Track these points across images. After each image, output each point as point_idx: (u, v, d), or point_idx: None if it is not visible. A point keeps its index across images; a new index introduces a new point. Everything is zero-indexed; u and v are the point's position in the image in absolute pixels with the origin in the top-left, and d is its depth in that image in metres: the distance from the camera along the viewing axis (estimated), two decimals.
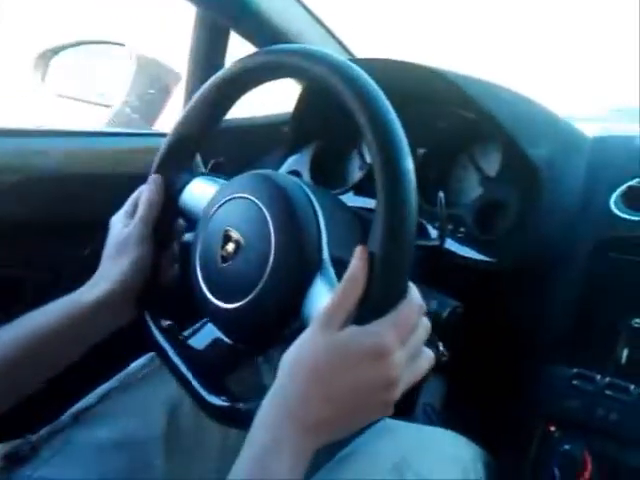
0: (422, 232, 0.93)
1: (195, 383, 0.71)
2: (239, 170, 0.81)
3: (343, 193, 1.07)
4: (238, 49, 1.27)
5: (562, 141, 1.00)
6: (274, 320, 0.69)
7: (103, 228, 0.82)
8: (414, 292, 0.60)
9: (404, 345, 0.58)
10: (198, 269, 0.75)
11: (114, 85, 1.34)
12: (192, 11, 1.24)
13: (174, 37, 1.45)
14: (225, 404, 0.68)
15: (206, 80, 0.78)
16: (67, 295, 0.78)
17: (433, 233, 0.92)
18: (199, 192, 0.81)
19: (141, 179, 0.85)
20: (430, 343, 0.76)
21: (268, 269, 0.66)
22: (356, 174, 1.13)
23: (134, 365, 0.91)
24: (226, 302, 0.71)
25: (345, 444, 0.78)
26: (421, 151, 1.01)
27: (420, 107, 1.01)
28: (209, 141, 0.84)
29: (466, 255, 0.91)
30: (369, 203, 0.97)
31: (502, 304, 0.97)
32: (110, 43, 1.35)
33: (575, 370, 0.87)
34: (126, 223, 0.81)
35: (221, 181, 0.81)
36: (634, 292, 0.86)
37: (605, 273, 0.89)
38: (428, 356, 0.62)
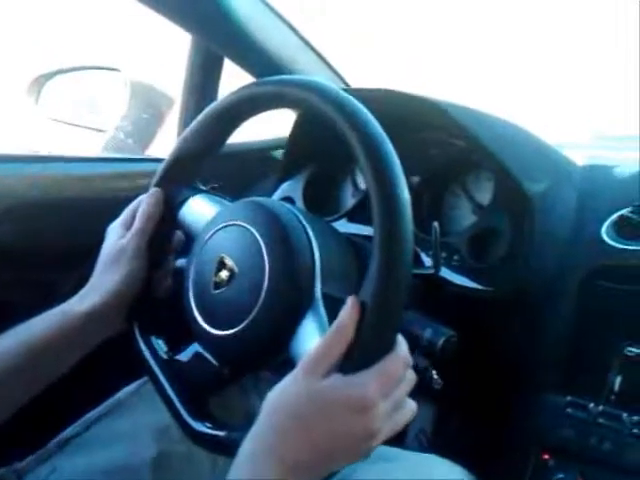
0: (416, 260, 0.93)
1: (180, 406, 0.71)
2: (234, 195, 0.81)
3: (336, 220, 1.07)
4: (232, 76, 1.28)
5: (553, 170, 1.01)
6: (262, 351, 0.69)
7: (96, 253, 0.82)
8: (402, 345, 0.60)
9: (387, 398, 0.58)
10: (191, 293, 0.75)
11: (108, 110, 1.34)
12: (187, 37, 1.25)
13: (169, 62, 1.46)
14: (209, 431, 0.68)
15: (200, 106, 0.79)
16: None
17: (427, 261, 0.93)
18: (198, 210, 0.81)
19: None
20: (424, 371, 0.77)
21: (260, 300, 0.66)
22: (349, 201, 1.13)
23: (122, 392, 0.91)
24: (216, 328, 0.70)
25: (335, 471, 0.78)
26: (415, 179, 1.01)
27: (413, 136, 1.02)
28: (208, 164, 0.84)
29: (460, 283, 0.91)
30: (363, 230, 0.97)
31: (495, 332, 0.97)
32: (104, 69, 1.36)
33: (568, 398, 0.87)
34: (122, 234, 0.80)
35: (221, 201, 0.81)
36: (626, 320, 0.87)
37: (597, 301, 0.90)
38: (410, 408, 0.62)
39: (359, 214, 1.05)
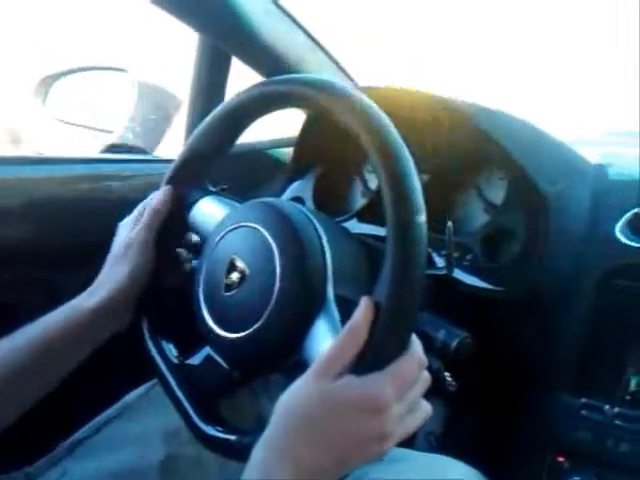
0: (429, 261, 0.92)
1: (190, 409, 0.71)
2: (244, 196, 0.80)
3: (347, 220, 1.06)
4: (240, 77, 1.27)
5: (567, 168, 1.01)
6: (274, 353, 0.68)
7: (104, 253, 0.81)
8: (416, 346, 0.60)
9: (401, 400, 0.57)
10: (201, 295, 0.74)
11: (116, 111, 1.34)
12: (194, 37, 1.24)
13: (176, 63, 1.46)
14: (219, 435, 0.68)
15: (208, 107, 0.78)
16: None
17: (439, 262, 0.92)
18: (208, 211, 0.81)
19: None
20: (437, 373, 0.76)
21: (272, 302, 0.66)
22: (359, 200, 1.12)
23: (131, 395, 0.91)
24: (227, 331, 0.70)
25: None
26: (425, 178, 1.00)
27: (424, 134, 1.01)
28: (217, 165, 0.84)
29: (473, 283, 0.90)
30: (373, 230, 0.96)
31: (509, 332, 0.96)
32: (112, 69, 1.36)
33: (583, 400, 0.87)
34: (132, 229, 0.81)
35: (231, 202, 0.81)
36: None
37: (612, 301, 0.89)
38: (424, 410, 0.62)
39: (369, 214, 1.04)
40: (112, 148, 1.29)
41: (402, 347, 0.58)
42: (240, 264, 0.70)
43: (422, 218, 0.57)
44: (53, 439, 0.84)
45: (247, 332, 0.67)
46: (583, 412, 0.86)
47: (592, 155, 1.08)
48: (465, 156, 1.02)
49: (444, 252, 0.87)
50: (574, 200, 0.96)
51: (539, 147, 0.99)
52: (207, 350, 0.74)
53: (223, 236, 0.73)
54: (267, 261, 0.67)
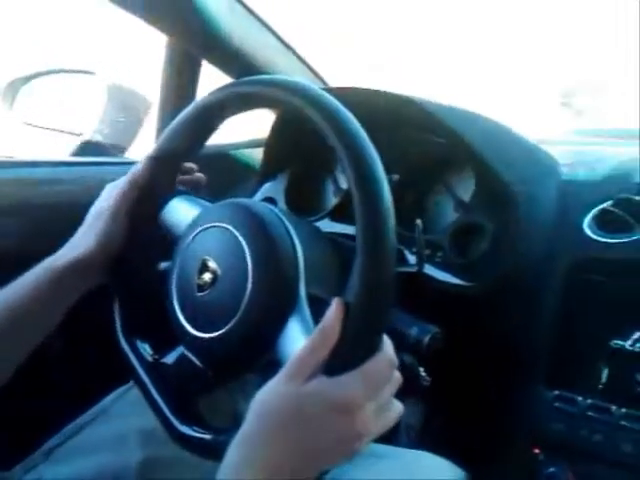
0: (400, 258, 0.93)
1: (166, 409, 0.71)
2: (215, 196, 0.80)
3: (319, 219, 1.06)
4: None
5: (534, 165, 1.02)
6: (247, 353, 0.68)
7: None
8: (387, 346, 0.60)
9: (372, 400, 0.58)
10: (174, 296, 0.74)
11: (85, 114, 1.33)
12: (163, 38, 1.24)
13: (146, 64, 1.45)
14: (195, 434, 0.68)
15: (178, 108, 0.78)
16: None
17: (411, 259, 0.93)
18: (180, 212, 0.81)
19: None
20: (412, 369, 0.77)
21: (244, 302, 0.66)
22: (331, 200, 1.13)
23: (107, 398, 0.90)
24: (200, 331, 0.70)
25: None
26: (395, 177, 1.01)
27: (393, 134, 1.02)
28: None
29: (444, 280, 0.91)
30: (346, 229, 0.97)
31: (482, 327, 0.97)
32: (80, 72, 1.35)
33: (557, 392, 0.87)
34: (109, 197, 0.81)
35: (203, 202, 0.81)
36: (611, 313, 0.87)
37: (581, 295, 0.90)
38: (396, 409, 0.62)
39: (342, 213, 1.04)
40: (81, 151, 1.28)
41: (373, 348, 0.59)
42: (212, 265, 0.69)
43: (391, 219, 0.58)
44: (29, 445, 0.83)
45: (220, 332, 0.67)
46: (557, 404, 0.87)
47: (560, 153, 1.10)
48: (434, 155, 1.03)
49: (415, 249, 0.88)
50: (541, 195, 0.97)
51: (506, 145, 1.00)
52: (182, 349, 0.74)
53: (195, 237, 0.73)
54: (239, 261, 0.67)
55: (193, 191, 0.85)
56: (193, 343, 0.72)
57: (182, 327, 0.72)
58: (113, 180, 0.83)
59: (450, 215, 1.00)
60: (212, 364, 0.72)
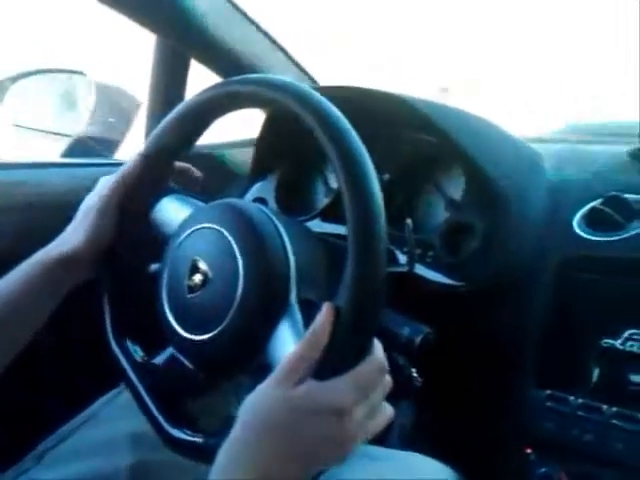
0: (391, 258, 0.93)
1: (157, 412, 0.70)
2: (207, 195, 0.80)
3: (310, 219, 1.06)
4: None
5: (523, 163, 1.02)
6: (237, 355, 0.68)
7: None
8: (378, 350, 0.60)
9: (363, 403, 0.58)
10: (164, 297, 0.74)
11: (74, 114, 1.32)
12: (152, 38, 1.23)
13: (136, 63, 1.45)
14: (186, 437, 0.67)
15: (167, 108, 0.77)
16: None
17: (402, 259, 0.92)
18: (171, 211, 0.80)
19: None
20: (404, 369, 0.77)
21: (235, 305, 0.65)
22: (322, 200, 1.12)
23: (98, 402, 0.90)
24: (191, 333, 0.69)
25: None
26: (386, 177, 1.01)
27: (383, 133, 1.02)
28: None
29: (435, 279, 0.91)
30: (337, 229, 0.97)
31: (473, 327, 0.97)
32: (70, 72, 1.34)
33: (548, 392, 0.88)
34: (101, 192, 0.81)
35: (194, 202, 0.80)
36: (601, 312, 0.87)
37: (572, 293, 0.90)
38: (386, 413, 0.62)
39: (332, 213, 1.04)
40: (71, 152, 1.27)
41: (364, 352, 0.58)
42: (202, 266, 0.69)
43: (381, 220, 0.57)
44: (20, 448, 0.83)
45: (211, 334, 0.67)
46: (548, 403, 0.87)
47: (550, 151, 1.10)
48: (424, 154, 1.03)
49: (406, 249, 0.88)
50: (531, 193, 0.97)
51: (494, 143, 1.00)
52: (172, 350, 0.73)
53: (185, 238, 0.73)
54: (229, 263, 0.67)
55: (187, 189, 0.85)
56: (183, 345, 0.71)
57: (172, 329, 0.71)
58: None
59: (441, 214, 1.00)
60: (203, 366, 0.72)
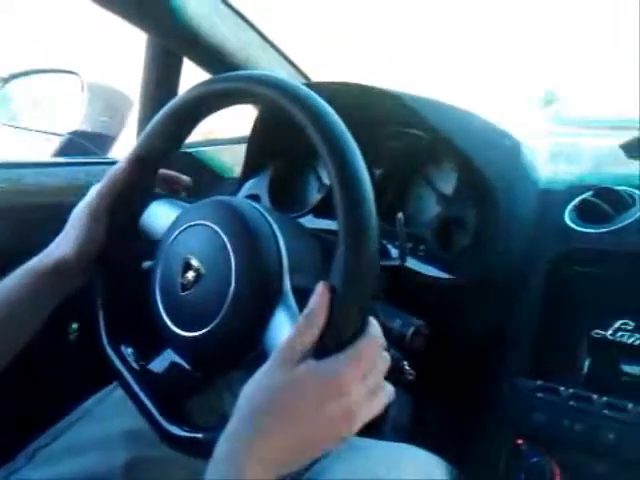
0: (383, 252, 0.93)
1: (154, 411, 0.70)
2: (197, 195, 0.80)
3: (303, 216, 1.07)
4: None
5: (514, 157, 1.02)
6: (234, 350, 0.68)
7: None
8: (374, 327, 0.61)
9: (363, 381, 0.58)
10: (158, 296, 0.74)
11: (66, 114, 1.32)
12: (144, 36, 1.23)
13: (128, 62, 1.45)
14: (185, 434, 0.67)
15: (159, 107, 0.77)
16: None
17: (394, 252, 0.93)
18: (161, 214, 0.80)
19: None
20: (395, 362, 0.77)
21: (229, 299, 0.66)
22: (315, 196, 1.13)
23: (91, 399, 0.90)
24: (186, 330, 0.70)
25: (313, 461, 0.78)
26: (378, 172, 1.01)
27: (374, 128, 1.02)
28: (167, 165, 0.83)
29: (427, 273, 0.92)
30: (329, 225, 0.97)
31: (465, 319, 0.97)
32: (62, 71, 1.34)
33: (539, 382, 0.88)
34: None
35: (183, 204, 0.80)
36: (592, 303, 0.88)
37: (563, 285, 0.91)
38: (388, 391, 0.62)
39: (325, 209, 1.05)
40: (64, 151, 1.27)
41: (359, 328, 0.59)
42: (195, 263, 0.69)
43: (372, 211, 0.58)
44: (12, 447, 0.83)
45: (206, 330, 0.67)
46: (539, 394, 0.87)
47: (541, 144, 1.10)
48: (415, 148, 1.03)
49: (397, 243, 0.88)
50: (522, 187, 0.98)
51: (485, 137, 1.01)
52: (168, 354, 0.73)
53: (177, 236, 0.73)
54: (222, 259, 0.67)
55: (174, 193, 0.85)
56: (179, 343, 0.72)
57: (167, 327, 0.72)
58: (97, 180, 0.83)
59: (432, 209, 1.00)
60: (198, 362, 0.72)
